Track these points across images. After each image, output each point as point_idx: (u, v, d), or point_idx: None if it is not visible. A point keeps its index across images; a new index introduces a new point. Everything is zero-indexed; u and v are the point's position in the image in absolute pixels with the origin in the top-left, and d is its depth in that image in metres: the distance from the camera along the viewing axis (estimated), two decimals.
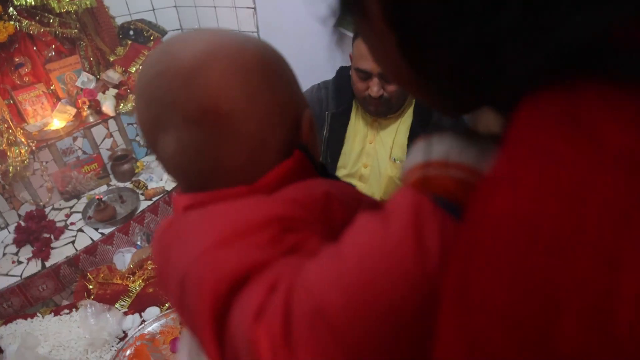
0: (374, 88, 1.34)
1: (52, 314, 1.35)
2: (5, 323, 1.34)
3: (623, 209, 0.18)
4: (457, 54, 0.25)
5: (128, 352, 1.20)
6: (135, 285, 1.47)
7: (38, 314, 1.36)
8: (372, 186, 1.54)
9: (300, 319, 0.27)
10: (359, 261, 0.27)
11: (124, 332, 1.29)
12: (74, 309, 1.36)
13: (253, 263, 0.31)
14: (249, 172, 0.41)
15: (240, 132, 0.40)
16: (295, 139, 0.44)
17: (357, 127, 1.53)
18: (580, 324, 0.18)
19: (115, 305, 1.37)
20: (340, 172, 1.58)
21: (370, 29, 0.31)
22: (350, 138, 1.54)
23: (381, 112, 1.43)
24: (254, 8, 2.61)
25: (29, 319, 1.35)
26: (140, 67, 0.44)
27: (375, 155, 1.52)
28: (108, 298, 1.41)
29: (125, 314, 1.34)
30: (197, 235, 0.36)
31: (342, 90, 1.49)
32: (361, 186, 1.52)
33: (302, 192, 0.39)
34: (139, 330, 1.25)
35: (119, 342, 1.27)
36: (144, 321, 1.32)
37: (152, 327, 1.26)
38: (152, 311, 1.34)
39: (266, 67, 0.42)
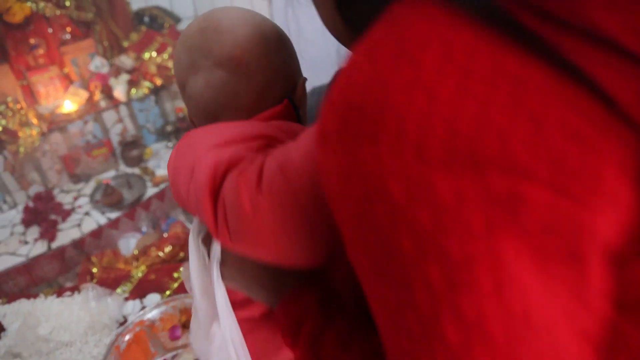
0: None
1: (55, 295, 1.37)
2: (9, 302, 1.36)
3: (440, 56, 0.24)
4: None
5: (127, 337, 1.21)
6: (138, 271, 1.48)
7: (41, 295, 1.37)
8: None
9: (268, 172, 0.42)
10: (298, 148, 0.43)
11: (124, 317, 1.30)
12: (76, 291, 1.37)
13: (243, 158, 0.45)
14: (253, 109, 0.54)
15: (253, 78, 0.53)
16: (290, 94, 0.57)
17: None
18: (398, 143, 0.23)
19: (117, 290, 1.39)
20: None
21: None
22: None
23: None
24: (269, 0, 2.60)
25: (31, 299, 1.36)
26: (184, 30, 0.51)
27: None
28: (110, 282, 1.42)
29: (126, 299, 1.35)
30: (205, 138, 0.49)
31: None
32: None
33: (284, 125, 0.53)
34: (139, 316, 1.25)
35: (118, 327, 1.27)
36: (144, 307, 1.33)
37: (152, 314, 1.26)
38: (153, 298, 1.35)
39: (280, 38, 0.57)
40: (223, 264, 0.53)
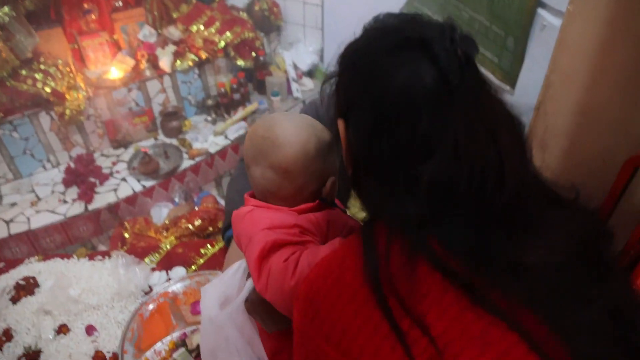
0: None
1: (87, 257, 1.43)
2: (44, 259, 1.43)
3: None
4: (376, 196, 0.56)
5: (151, 306, 1.25)
6: (167, 242, 1.53)
7: (74, 256, 1.43)
8: None
9: (300, 267, 0.65)
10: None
11: (149, 286, 1.35)
12: (107, 257, 1.42)
13: (283, 241, 0.68)
14: (290, 201, 0.76)
15: (293, 181, 0.74)
16: (321, 189, 0.77)
17: None
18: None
19: (145, 260, 1.43)
20: (352, 206, 1.45)
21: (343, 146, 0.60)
22: None
23: None
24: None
25: (65, 259, 1.43)
26: (254, 126, 0.63)
27: None
28: (139, 252, 1.47)
29: (153, 269, 1.39)
30: (261, 221, 0.72)
31: None
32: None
33: (313, 218, 0.74)
34: (164, 287, 1.29)
35: (144, 296, 1.32)
36: (169, 279, 1.37)
37: (176, 287, 1.30)
38: (179, 271, 1.39)
39: (318, 151, 0.74)
40: (250, 295, 0.79)
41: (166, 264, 1.43)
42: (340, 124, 0.58)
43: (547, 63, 0.94)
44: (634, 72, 0.80)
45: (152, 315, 1.24)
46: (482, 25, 1.74)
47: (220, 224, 2.06)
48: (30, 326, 1.21)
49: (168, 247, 1.50)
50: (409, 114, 0.50)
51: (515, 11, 1.56)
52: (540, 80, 0.98)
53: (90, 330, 1.21)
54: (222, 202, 2.48)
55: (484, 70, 1.78)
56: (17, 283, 1.32)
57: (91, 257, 1.44)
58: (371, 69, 0.54)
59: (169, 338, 1.19)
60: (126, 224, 2.09)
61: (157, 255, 1.47)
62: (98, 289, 1.30)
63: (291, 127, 0.75)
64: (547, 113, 0.96)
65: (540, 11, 1.42)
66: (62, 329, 1.19)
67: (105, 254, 1.45)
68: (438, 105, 0.50)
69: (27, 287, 1.31)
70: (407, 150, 0.51)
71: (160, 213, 2.22)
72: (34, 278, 1.35)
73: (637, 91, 0.66)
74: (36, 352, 1.14)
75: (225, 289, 0.85)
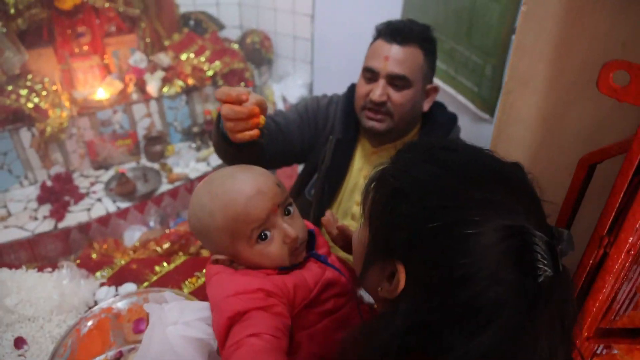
0: (377, 91, 1.16)
1: (36, 269, 1.36)
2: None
3: None
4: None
5: (90, 322, 1.16)
6: (121, 259, 1.45)
7: (23, 267, 1.36)
8: None
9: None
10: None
11: (95, 302, 1.27)
12: (56, 269, 1.35)
13: (248, 308, 0.66)
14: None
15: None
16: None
17: (356, 158, 1.34)
18: None
19: (96, 274, 1.36)
20: (335, 208, 1.38)
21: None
22: (351, 170, 1.35)
23: (378, 130, 1.21)
24: (312, 15, 2.61)
25: (13, 269, 1.35)
26: (205, 188, 0.60)
27: None
28: (91, 265, 1.40)
29: (102, 284, 1.32)
30: (226, 286, 0.70)
31: (351, 114, 1.29)
32: (353, 225, 1.31)
33: (280, 280, 0.72)
34: (108, 303, 1.21)
35: (87, 311, 1.24)
36: (117, 295, 1.28)
37: (122, 303, 1.21)
38: (129, 287, 1.31)
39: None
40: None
41: (117, 280, 1.35)
42: (398, 265, 0.53)
43: None
44: (592, 73, 0.76)
45: (90, 331, 1.15)
46: (462, 55, 1.73)
47: (192, 249, 1.98)
48: None
49: (122, 262, 1.43)
50: (492, 306, 0.47)
51: (492, 39, 1.55)
52: None
53: (19, 343, 1.12)
54: None
55: (462, 99, 1.74)
56: None
57: (40, 269, 1.37)
58: (454, 229, 0.49)
59: (102, 357, 1.10)
60: (95, 244, 2.02)
61: (109, 269, 1.40)
62: (38, 301, 1.22)
63: (201, 196, 0.75)
64: (507, 122, 0.91)
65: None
66: None
67: (55, 267, 1.38)
68: (521, 297, 0.47)
69: None
70: (463, 320, 0.48)
71: (133, 236, 2.15)
72: None
73: (596, 92, 0.62)
74: None
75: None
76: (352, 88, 1.32)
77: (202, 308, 0.77)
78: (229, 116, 0.80)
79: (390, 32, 1.18)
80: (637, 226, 0.58)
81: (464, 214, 0.49)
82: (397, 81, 1.16)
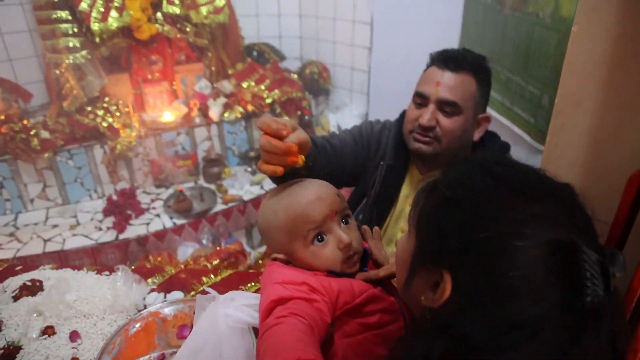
0: (426, 115, 1.16)
1: (96, 271, 1.45)
2: (57, 268, 1.46)
3: None
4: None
5: (138, 324, 1.22)
6: (172, 268, 1.52)
7: (84, 268, 1.46)
8: None
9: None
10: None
11: (144, 305, 1.32)
12: (113, 273, 1.43)
13: (292, 296, 0.69)
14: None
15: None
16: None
17: (405, 185, 1.33)
18: None
19: (148, 280, 1.42)
20: (384, 234, 1.38)
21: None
22: (398, 197, 1.34)
23: (425, 152, 1.21)
24: (370, 48, 2.68)
25: (75, 270, 1.45)
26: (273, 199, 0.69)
27: None
28: (144, 272, 1.47)
29: (152, 290, 1.38)
30: (273, 275, 0.75)
31: (402, 141, 1.29)
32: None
33: (326, 280, 0.75)
34: (156, 307, 1.26)
35: (136, 313, 1.30)
36: (165, 301, 1.34)
37: (169, 309, 1.26)
38: (176, 295, 1.36)
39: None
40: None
41: (166, 287, 1.41)
42: (444, 274, 0.53)
43: None
44: None
45: (137, 332, 1.21)
46: (518, 86, 1.71)
47: (241, 267, 2.03)
48: (20, 323, 1.21)
49: (172, 271, 1.49)
50: (537, 321, 0.47)
51: (549, 69, 1.53)
52: None
53: (74, 336, 1.19)
54: (249, 249, 2.47)
55: (518, 130, 1.70)
56: (24, 283, 1.35)
57: (99, 272, 1.46)
58: (505, 240, 0.49)
59: (146, 357, 1.15)
60: (150, 256, 2.12)
61: (160, 277, 1.46)
62: (93, 299, 1.30)
63: (269, 198, 0.84)
64: (558, 144, 0.90)
65: None
66: (48, 330, 1.18)
67: (112, 271, 1.46)
68: (568, 315, 0.46)
69: (31, 288, 1.33)
70: (505, 333, 0.48)
71: (186, 252, 2.23)
72: (40, 281, 1.37)
73: None
74: (17, 347, 1.13)
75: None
76: (404, 114, 1.32)
77: (252, 297, 0.85)
78: (264, 148, 0.79)
79: (443, 59, 1.19)
80: None
81: (515, 226, 0.49)
82: (447, 107, 1.16)
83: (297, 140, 0.79)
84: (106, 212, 2.32)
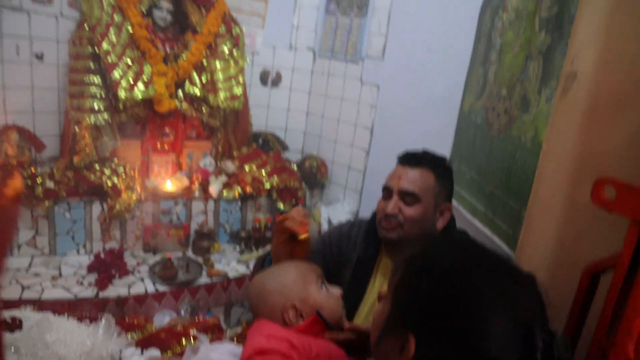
0: (390, 205, 1.30)
1: (77, 318, 1.45)
2: (39, 310, 1.47)
3: None
4: None
5: None
6: (153, 326, 1.53)
7: (65, 314, 1.47)
8: None
9: None
10: None
11: (120, 358, 1.33)
12: (94, 322, 1.44)
13: (271, 349, 0.78)
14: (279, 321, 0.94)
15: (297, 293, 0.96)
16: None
17: (377, 275, 1.42)
18: None
19: (128, 334, 1.43)
20: (359, 322, 1.42)
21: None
22: (372, 286, 1.42)
23: (391, 239, 1.32)
24: (368, 151, 2.90)
25: (57, 315, 1.46)
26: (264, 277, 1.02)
27: None
28: (125, 325, 1.48)
29: (130, 344, 1.39)
30: (262, 329, 0.86)
31: (373, 235, 1.40)
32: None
33: (307, 342, 0.84)
34: None
35: None
36: (141, 357, 1.35)
37: None
38: (153, 352, 1.37)
39: (269, 287, 0.98)
40: None
41: (145, 343, 1.42)
42: (408, 338, 0.60)
43: None
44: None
45: None
46: (500, 200, 1.87)
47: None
48: None
49: (153, 329, 1.50)
50: None
51: (528, 187, 1.69)
52: None
53: None
54: (225, 326, 2.44)
55: (498, 240, 1.82)
56: (4, 319, 1.36)
57: (80, 319, 1.47)
58: (468, 313, 0.56)
59: None
60: (126, 318, 2.10)
61: (139, 333, 1.47)
62: (72, 343, 1.31)
63: (256, 278, 1.03)
64: (528, 243, 1.01)
65: None
66: None
67: (94, 319, 1.48)
68: None
69: (10, 325, 1.34)
70: None
71: (163, 319, 2.21)
72: (20, 320, 1.38)
73: (601, 224, 0.73)
74: None
75: None
76: (374, 213, 1.44)
77: (235, 347, 0.98)
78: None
79: (405, 157, 1.37)
80: (632, 329, 0.64)
81: (480, 302, 0.57)
82: (407, 197, 1.30)
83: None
84: (90, 268, 2.33)
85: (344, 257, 1.45)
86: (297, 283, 0.93)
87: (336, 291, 0.96)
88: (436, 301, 0.59)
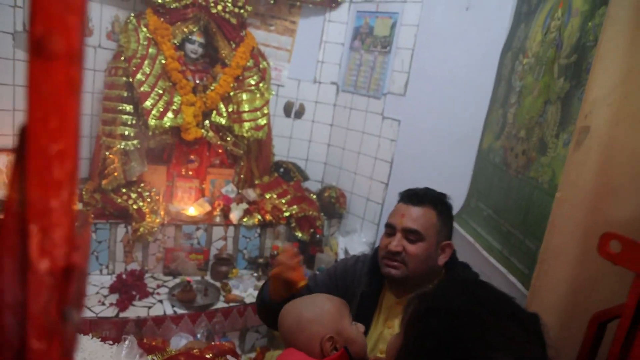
0: (394, 242, 1.31)
1: (100, 338, 1.51)
2: None
3: None
4: None
5: None
6: (172, 350, 1.57)
7: (90, 334, 1.53)
8: None
9: None
10: None
11: None
12: (117, 343, 1.50)
13: None
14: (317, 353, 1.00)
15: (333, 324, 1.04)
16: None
17: (381, 310, 1.44)
18: None
19: (149, 356, 1.48)
20: None
21: None
22: (377, 320, 1.44)
23: (394, 276, 1.34)
24: (387, 184, 2.95)
25: (81, 334, 1.52)
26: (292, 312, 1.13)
27: None
28: (147, 348, 1.53)
29: None
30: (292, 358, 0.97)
31: (376, 270, 1.42)
32: None
33: None
34: None
35: None
36: None
37: None
38: None
39: (303, 322, 1.05)
40: None
41: None
42: None
43: None
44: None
45: None
46: (516, 239, 1.89)
47: None
48: None
49: (173, 352, 1.55)
50: None
51: (544, 228, 1.71)
52: None
53: None
54: (240, 352, 2.47)
55: (513, 279, 1.85)
56: None
57: (104, 339, 1.53)
58: (472, 354, 0.61)
59: None
60: (145, 340, 2.15)
61: (160, 355, 1.52)
62: None
63: (290, 307, 1.11)
64: (540, 287, 1.04)
65: None
66: None
67: (116, 341, 1.53)
68: None
69: None
70: None
71: (179, 342, 2.26)
72: None
73: (611, 275, 0.76)
74: None
75: None
76: (377, 248, 1.46)
77: None
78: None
79: (408, 195, 1.40)
80: None
81: (484, 341, 0.61)
82: (411, 235, 1.32)
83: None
84: (112, 289, 2.39)
85: (349, 292, 1.48)
86: (335, 315, 0.99)
87: (361, 327, 1.00)
88: (443, 340, 0.63)
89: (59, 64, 0.29)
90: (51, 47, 0.28)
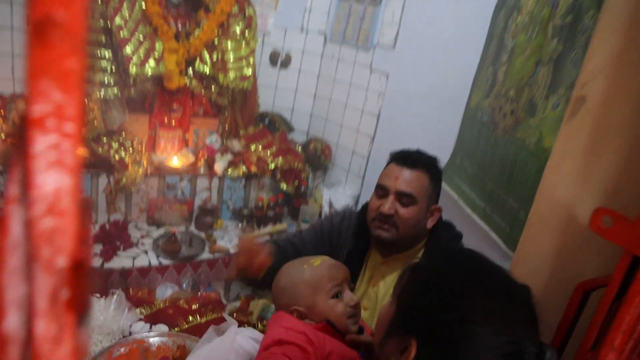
0: (387, 205, 1.31)
1: None
2: None
3: None
4: None
5: (123, 349, 1.29)
6: (160, 302, 1.60)
7: None
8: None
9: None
10: None
11: (130, 332, 1.40)
12: (104, 297, 1.51)
13: (289, 340, 0.85)
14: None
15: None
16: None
17: (367, 268, 1.46)
18: None
19: (137, 309, 1.50)
20: None
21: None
22: (361, 279, 1.46)
23: (385, 238, 1.34)
24: (373, 137, 2.94)
25: None
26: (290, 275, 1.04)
27: (375, 299, 1.41)
28: (135, 300, 1.55)
29: (140, 319, 1.45)
30: (282, 321, 0.94)
31: (363, 228, 1.42)
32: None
33: (322, 337, 0.91)
34: (142, 336, 1.34)
35: (121, 338, 1.37)
36: (150, 331, 1.42)
37: (154, 339, 1.34)
38: (162, 327, 1.44)
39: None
40: None
41: (153, 319, 1.49)
42: (409, 341, 0.66)
43: None
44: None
45: (120, 356, 1.28)
46: (500, 197, 1.92)
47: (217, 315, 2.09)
48: None
49: (161, 305, 1.57)
50: None
51: (528, 189, 1.74)
52: None
53: None
54: (225, 301, 2.52)
55: (494, 236, 1.89)
56: None
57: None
58: (464, 325, 0.62)
59: None
60: (131, 290, 2.17)
61: (149, 308, 1.54)
62: None
63: (294, 264, 1.08)
64: (528, 252, 1.07)
65: None
66: None
67: (103, 293, 1.54)
68: None
69: None
70: None
71: (165, 292, 2.28)
72: None
73: (597, 245, 0.78)
74: None
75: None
76: (364, 206, 1.47)
77: (258, 333, 1.05)
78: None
79: (401, 157, 1.39)
80: (616, 345, 0.70)
81: (475, 315, 0.62)
82: (404, 198, 1.32)
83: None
84: (96, 239, 2.38)
85: (334, 249, 1.49)
86: (307, 288, 0.96)
87: (350, 300, 0.97)
88: (435, 312, 0.64)
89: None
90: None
